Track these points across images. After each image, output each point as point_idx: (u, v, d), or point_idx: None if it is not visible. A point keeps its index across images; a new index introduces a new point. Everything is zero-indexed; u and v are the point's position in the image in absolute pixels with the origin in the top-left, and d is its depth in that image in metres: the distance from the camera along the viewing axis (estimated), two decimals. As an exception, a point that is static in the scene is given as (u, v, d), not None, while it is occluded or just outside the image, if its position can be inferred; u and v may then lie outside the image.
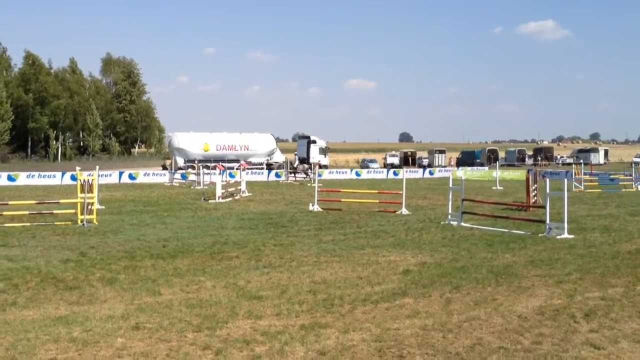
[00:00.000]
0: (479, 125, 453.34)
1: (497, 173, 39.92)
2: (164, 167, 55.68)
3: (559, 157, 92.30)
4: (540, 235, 15.05)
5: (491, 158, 76.47)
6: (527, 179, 23.30)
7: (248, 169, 43.66)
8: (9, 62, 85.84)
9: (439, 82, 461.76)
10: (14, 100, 75.51)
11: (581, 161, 48.90)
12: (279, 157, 58.29)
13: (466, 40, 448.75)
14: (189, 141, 54.05)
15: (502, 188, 35.59)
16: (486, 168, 60.11)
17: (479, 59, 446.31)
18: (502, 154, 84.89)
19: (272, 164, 56.28)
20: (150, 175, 45.92)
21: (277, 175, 48.64)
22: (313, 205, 22.13)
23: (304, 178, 45.97)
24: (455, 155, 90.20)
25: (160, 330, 7.27)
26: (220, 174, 28.79)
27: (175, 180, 42.83)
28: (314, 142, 65.39)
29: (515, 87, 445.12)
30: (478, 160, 78.92)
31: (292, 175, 46.78)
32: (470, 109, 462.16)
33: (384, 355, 6.47)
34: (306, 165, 49.30)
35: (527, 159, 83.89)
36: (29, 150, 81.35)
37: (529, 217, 18.34)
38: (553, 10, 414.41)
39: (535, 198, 22.47)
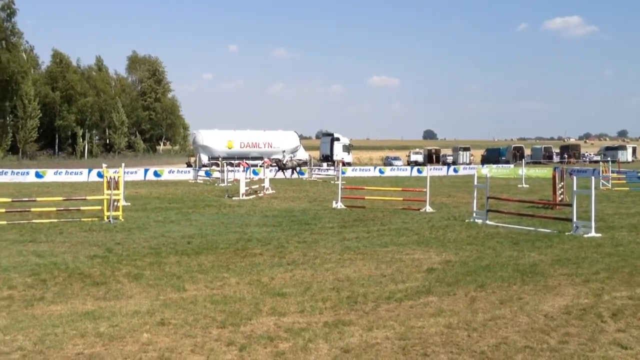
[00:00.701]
0: (505, 122, 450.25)
1: (523, 171, 39.49)
2: (189, 165, 56.14)
3: (586, 154, 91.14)
4: (567, 233, 14.86)
5: (517, 155, 75.65)
6: (554, 177, 23.02)
7: (272, 166, 43.75)
8: (37, 60, 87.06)
9: (463, 79, 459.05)
10: (42, 98, 76.51)
11: (609, 159, 48.23)
12: (302, 155, 58.37)
13: (491, 36, 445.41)
14: (213, 139, 54.39)
15: (527, 186, 35.24)
16: (512, 166, 59.55)
17: (504, 55, 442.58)
18: (528, 152, 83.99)
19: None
20: (175, 173, 46.29)
21: (300, 172, 48.69)
22: (336, 202, 22.11)
23: (292, 175, 43.79)
24: (480, 152, 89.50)
25: (185, 326, 7.32)
26: (244, 171, 28.91)
27: (199, 178, 43.07)
28: (338, 139, 65.41)
29: (542, 84, 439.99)
30: (503, 158, 78.22)
31: (281, 171, 44.73)
32: (496, 106, 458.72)
33: (408, 354, 6.45)
34: (295, 161, 46.28)
35: (554, 157, 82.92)
36: (56, 148, 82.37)
37: (555, 215, 18.13)
38: (579, 6, 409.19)
39: (562, 196, 22.22)
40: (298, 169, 44.34)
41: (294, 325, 7.40)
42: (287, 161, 44.05)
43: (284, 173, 43.94)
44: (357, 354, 6.42)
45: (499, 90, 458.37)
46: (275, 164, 47.16)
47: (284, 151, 52.32)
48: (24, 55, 76.26)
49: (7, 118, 72.49)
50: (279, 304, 8.34)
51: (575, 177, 16.75)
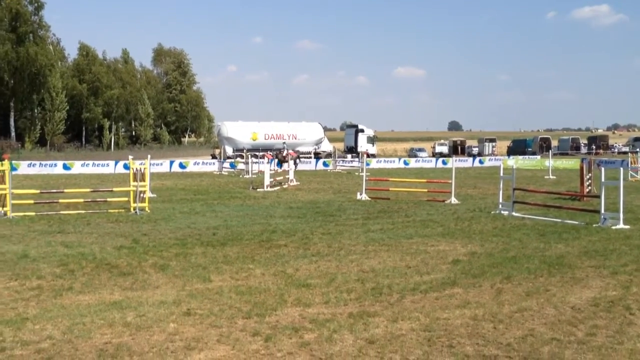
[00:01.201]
0: (531, 113, 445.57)
1: (550, 162, 39.03)
2: (213, 156, 56.43)
3: (614, 145, 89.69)
4: (594, 225, 14.67)
5: (543, 147, 74.69)
6: (581, 168, 22.71)
7: (296, 157, 43.78)
8: (64, 53, 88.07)
9: (489, 69, 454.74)
10: (69, 91, 77.37)
11: (637, 150, 47.41)
12: (326, 146, 58.39)
13: (518, 25, 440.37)
14: (238, 130, 54.61)
15: (554, 177, 34.86)
16: (538, 157, 58.91)
17: (532, 45, 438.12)
18: (555, 143, 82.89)
19: (319, 153, 56.39)
20: (200, 164, 46.60)
21: (325, 164, 48.71)
22: (361, 194, 22.08)
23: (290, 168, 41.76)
24: (506, 143, 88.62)
25: (211, 316, 7.38)
26: (268, 162, 28.99)
27: (224, 169, 43.29)
28: (362, 130, 65.26)
29: (569, 74, 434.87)
30: (530, 149, 77.34)
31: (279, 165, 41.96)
32: (522, 97, 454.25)
33: (433, 345, 6.43)
34: (295, 152, 44.31)
35: (581, 148, 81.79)
36: (83, 140, 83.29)
37: (582, 207, 17.90)
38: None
39: (590, 187, 21.92)
40: (297, 160, 43.28)
41: (318, 316, 7.41)
42: (285, 154, 42.67)
43: (281, 165, 42.62)
44: (382, 345, 6.42)
45: (526, 81, 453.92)
46: (275, 156, 46.96)
47: (284, 143, 51.91)
48: (51, 48, 77.19)
49: (35, 110, 73.51)
50: (304, 295, 8.36)
51: (603, 169, 16.52)
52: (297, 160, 43.21)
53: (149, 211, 17.83)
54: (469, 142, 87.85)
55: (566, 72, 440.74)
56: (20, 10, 68.54)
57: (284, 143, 51.52)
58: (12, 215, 16.40)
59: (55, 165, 42.15)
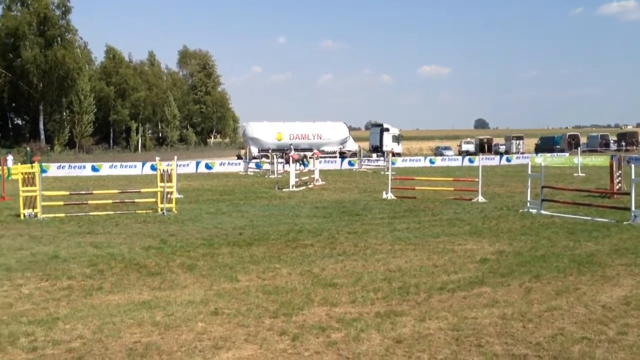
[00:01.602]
0: (559, 110, 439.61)
1: (579, 159, 38.56)
2: (239, 157, 56.68)
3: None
4: (625, 223, 14.45)
5: (572, 144, 73.74)
6: (611, 165, 22.38)
7: (321, 157, 43.81)
8: (91, 56, 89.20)
9: (516, 66, 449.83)
10: (97, 93, 78.29)
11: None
12: (351, 146, 58.28)
13: (545, 21, 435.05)
14: (263, 131, 54.78)
15: (584, 175, 34.40)
16: (567, 154, 58.19)
17: (559, 40, 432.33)
18: (583, 140, 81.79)
19: (345, 153, 56.34)
20: (226, 165, 46.83)
21: (350, 163, 48.65)
22: (387, 193, 22.01)
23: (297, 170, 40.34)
24: (534, 141, 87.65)
25: (239, 316, 7.41)
26: (293, 162, 29.02)
27: (249, 170, 43.45)
28: (387, 130, 65.04)
29: (597, 70, 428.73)
30: (558, 147, 76.38)
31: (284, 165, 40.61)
32: (550, 93, 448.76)
33: (461, 344, 6.38)
34: (302, 153, 43.57)
35: (611, 144, 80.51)
36: (111, 142, 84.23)
37: (613, 204, 17.65)
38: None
39: (620, 185, 21.58)
40: (304, 161, 42.61)
41: (345, 315, 7.40)
42: (291, 154, 41.87)
43: (283, 168, 41.75)
44: (410, 344, 6.39)
45: (553, 77, 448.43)
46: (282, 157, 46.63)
47: (291, 144, 51.62)
48: (79, 51, 78.20)
49: (64, 113, 74.50)
50: (331, 295, 8.36)
51: (633, 165, 16.25)
52: (304, 161, 42.60)
53: (176, 212, 17.97)
54: (495, 140, 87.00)
55: (594, 67, 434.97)
56: (48, 15, 69.59)
57: (290, 144, 51.14)
58: (43, 217, 16.65)
59: (84, 167, 42.69)
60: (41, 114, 71.38)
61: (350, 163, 48.76)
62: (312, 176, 30.15)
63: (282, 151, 44.10)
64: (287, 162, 39.14)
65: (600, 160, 46.45)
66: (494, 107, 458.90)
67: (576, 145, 67.08)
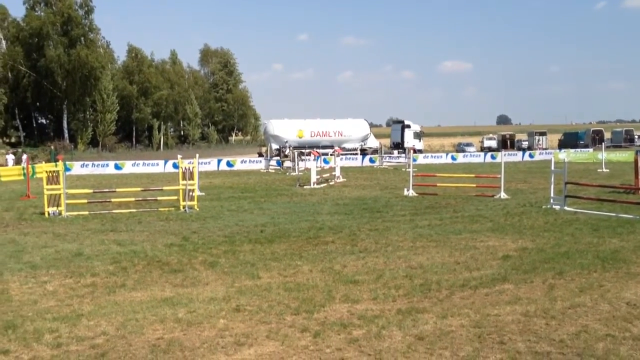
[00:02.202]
0: (583, 105, 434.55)
1: (603, 155, 38.05)
2: (260, 154, 56.81)
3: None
4: (650, 219, 14.25)
5: (596, 139, 72.81)
6: (636, 161, 22.08)
7: (342, 154, 43.75)
8: (114, 55, 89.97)
9: (538, 61, 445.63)
10: (119, 92, 78.99)
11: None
12: (372, 143, 58.11)
13: (568, 15, 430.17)
14: (284, 128, 54.78)
15: (608, 170, 33.99)
16: (590, 150, 57.52)
17: (583, 35, 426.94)
18: (607, 135, 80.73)
19: (366, 150, 56.22)
20: (247, 162, 47.01)
21: (371, 160, 48.56)
22: (408, 190, 21.93)
23: (289, 169, 38.90)
24: (557, 137, 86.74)
25: (260, 313, 7.44)
26: (314, 160, 29.05)
27: (270, 167, 43.53)
28: (408, 126, 64.75)
29: (622, 64, 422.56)
30: (582, 142, 75.51)
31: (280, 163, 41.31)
32: (573, 88, 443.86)
33: (483, 341, 6.34)
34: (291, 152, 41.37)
35: (635, 140, 79.35)
36: (133, 140, 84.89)
37: (638, 200, 17.41)
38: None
39: (645, 180, 21.27)
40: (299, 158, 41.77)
41: (367, 312, 7.39)
42: (288, 153, 41.05)
43: (282, 164, 41.52)
44: (432, 341, 6.36)
45: (577, 72, 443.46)
46: (276, 154, 46.48)
47: (286, 142, 51.16)
48: (102, 50, 78.91)
49: (87, 112, 75.26)
50: (352, 292, 8.35)
51: (659, 161, 16.00)
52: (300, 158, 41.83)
53: (197, 209, 18.08)
54: (518, 136, 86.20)
55: (618, 62, 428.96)
56: (71, 15, 70.25)
57: (286, 142, 50.49)
58: (67, 215, 16.85)
59: (107, 165, 43.12)
60: (65, 113, 72.19)
61: (371, 160, 48.68)
62: (333, 173, 30.13)
63: (304, 148, 43.94)
64: (283, 160, 38.57)
65: (624, 155, 45.81)
66: (517, 102, 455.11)
67: (600, 140, 66.15)
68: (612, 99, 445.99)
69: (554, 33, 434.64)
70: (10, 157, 44.32)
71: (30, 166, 27.53)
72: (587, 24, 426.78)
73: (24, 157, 43.61)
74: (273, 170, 41.71)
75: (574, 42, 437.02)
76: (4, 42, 71.60)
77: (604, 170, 34.23)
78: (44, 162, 38.98)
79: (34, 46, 70.33)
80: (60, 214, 16.95)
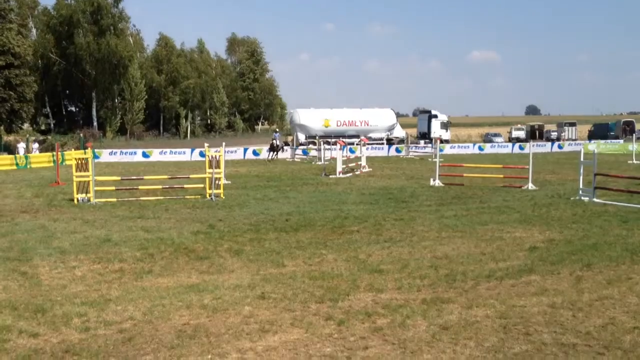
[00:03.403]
0: (614, 95, 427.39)
1: (634, 146, 37.41)
2: (286, 143, 56.93)
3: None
4: (682, 212, 14.00)
5: (627, 130, 71.57)
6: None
7: (368, 144, 43.61)
8: (143, 44, 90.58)
9: (569, 50, 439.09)
10: (148, 81, 79.57)
11: None
12: (399, 132, 57.81)
13: (599, 2, 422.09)
14: (310, 117, 54.77)
15: (638, 162, 33.42)
16: (621, 141, 56.55)
17: (613, 22, 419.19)
18: (638, 126, 79.30)
19: (392, 139, 55.98)
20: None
21: (397, 150, 48.37)
22: (434, 180, 21.81)
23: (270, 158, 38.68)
24: (587, 128, 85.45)
25: (285, 300, 7.48)
26: (340, 149, 29.00)
27: (296, 156, 43.57)
28: (435, 116, 64.25)
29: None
30: (612, 133, 74.25)
31: (274, 154, 40.55)
32: (604, 78, 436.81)
33: (509, 332, 6.31)
34: (283, 141, 40.98)
35: (668, 131, 77.81)
36: (161, 128, 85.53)
37: (669, 192, 17.08)
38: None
39: (677, 172, 20.87)
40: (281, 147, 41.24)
41: (391, 301, 7.39)
42: (278, 143, 40.17)
43: (276, 154, 40.86)
44: (456, 331, 6.34)
45: (607, 61, 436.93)
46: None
47: (275, 131, 50.40)
48: (131, 39, 79.49)
49: (116, 100, 75.98)
50: (377, 281, 8.36)
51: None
52: (282, 147, 41.14)
53: (223, 197, 18.18)
54: (547, 127, 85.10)
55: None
56: (101, 3, 70.76)
57: (274, 131, 49.56)
58: (95, 201, 17.07)
59: (135, 153, 43.52)
60: (94, 101, 72.90)
61: (397, 150, 48.47)
62: (359, 163, 30.07)
63: (330, 138, 43.88)
64: (275, 150, 38.03)
65: (656, 147, 44.97)
66: (546, 92, 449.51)
67: (631, 131, 65.06)
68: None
69: (583, 20, 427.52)
70: (35, 146, 45.00)
71: (59, 153, 27.88)
72: (617, 10, 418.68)
73: (35, 145, 44.32)
74: (299, 160, 41.75)
75: (604, 30, 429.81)
76: (34, 30, 72.43)
77: (635, 162, 33.68)
78: (73, 150, 39.44)
79: (64, 34, 70.98)
80: (89, 200, 17.19)
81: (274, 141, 40.34)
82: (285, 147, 42.87)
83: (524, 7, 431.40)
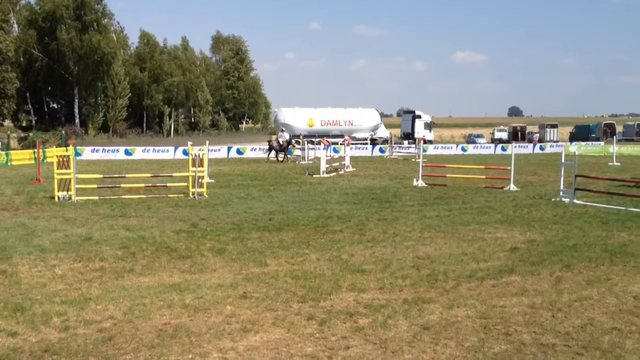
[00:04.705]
0: (596, 98, 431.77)
1: (614, 148, 37.83)
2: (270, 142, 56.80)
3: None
4: (660, 213, 14.17)
5: (607, 132, 72.36)
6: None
7: (352, 144, 43.67)
8: (127, 41, 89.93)
9: (552, 53, 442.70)
10: (131, 79, 79.02)
11: None
12: (383, 132, 57.97)
13: (584, 7, 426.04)
14: (294, 116, 54.74)
15: (619, 164, 33.79)
16: (602, 143, 57.14)
17: (597, 26, 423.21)
18: (619, 128, 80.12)
19: (376, 139, 56.10)
20: (257, 150, 46.94)
21: (381, 150, 48.48)
22: (417, 180, 21.90)
23: (281, 158, 37.73)
24: (568, 129, 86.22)
25: (267, 300, 7.47)
26: (324, 149, 29.03)
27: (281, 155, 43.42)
28: (419, 116, 64.43)
29: (635, 57, 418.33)
30: (593, 135, 75.01)
31: (273, 154, 38.67)
32: (586, 81, 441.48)
33: (489, 332, 6.35)
34: (286, 141, 39.33)
35: (647, 134, 78.65)
36: (144, 126, 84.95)
37: (648, 194, 17.28)
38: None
39: (656, 175, 21.13)
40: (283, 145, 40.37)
41: (373, 301, 7.42)
42: (283, 142, 39.13)
43: (276, 154, 38.85)
44: (437, 331, 6.38)
45: (591, 64, 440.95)
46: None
47: (271, 134, 50.13)
48: (114, 36, 78.91)
49: (99, 98, 75.38)
50: (359, 281, 8.38)
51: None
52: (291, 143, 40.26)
53: (207, 196, 18.12)
54: (529, 128, 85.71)
55: (632, 54, 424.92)
56: (84, -1, 70.25)
57: (281, 130, 49.29)
58: (77, 199, 16.94)
59: (118, 151, 43.21)
60: (76, 98, 72.26)
61: (381, 150, 48.57)
62: (343, 162, 30.11)
63: (314, 137, 43.87)
64: (275, 149, 37.71)
65: (636, 149, 45.60)
66: (529, 94, 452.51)
67: (612, 134, 65.75)
68: (625, 92, 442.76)
69: (567, 24, 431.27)
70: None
71: (41, 150, 27.66)
72: (601, 16, 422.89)
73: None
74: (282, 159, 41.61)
75: (588, 34, 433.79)
76: (16, 25, 71.68)
77: (615, 163, 34.04)
78: (54, 147, 39.10)
79: (47, 30, 70.24)
80: (70, 198, 17.05)
81: (281, 139, 39.71)
82: (293, 143, 41.66)
83: (508, 10, 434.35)
